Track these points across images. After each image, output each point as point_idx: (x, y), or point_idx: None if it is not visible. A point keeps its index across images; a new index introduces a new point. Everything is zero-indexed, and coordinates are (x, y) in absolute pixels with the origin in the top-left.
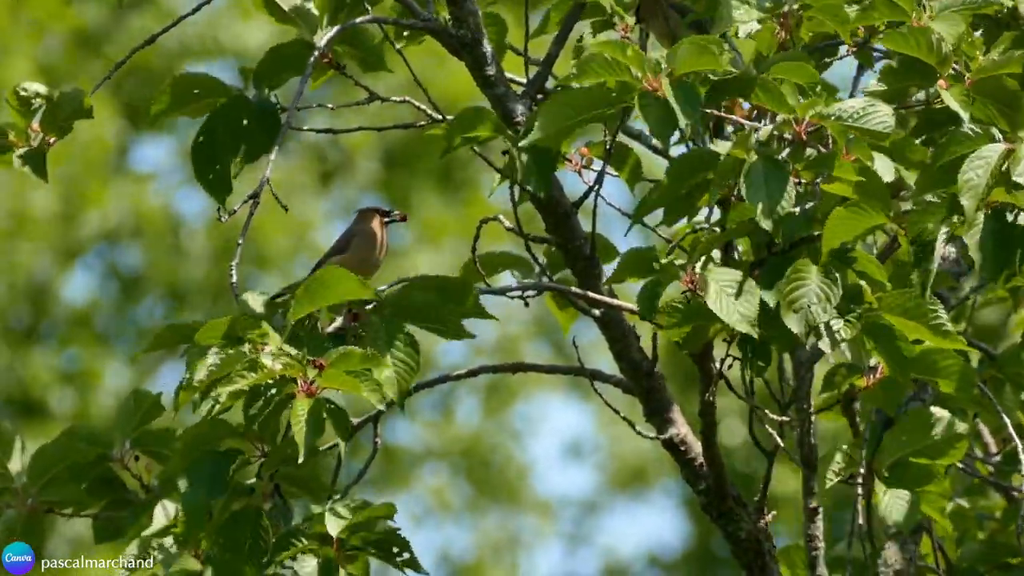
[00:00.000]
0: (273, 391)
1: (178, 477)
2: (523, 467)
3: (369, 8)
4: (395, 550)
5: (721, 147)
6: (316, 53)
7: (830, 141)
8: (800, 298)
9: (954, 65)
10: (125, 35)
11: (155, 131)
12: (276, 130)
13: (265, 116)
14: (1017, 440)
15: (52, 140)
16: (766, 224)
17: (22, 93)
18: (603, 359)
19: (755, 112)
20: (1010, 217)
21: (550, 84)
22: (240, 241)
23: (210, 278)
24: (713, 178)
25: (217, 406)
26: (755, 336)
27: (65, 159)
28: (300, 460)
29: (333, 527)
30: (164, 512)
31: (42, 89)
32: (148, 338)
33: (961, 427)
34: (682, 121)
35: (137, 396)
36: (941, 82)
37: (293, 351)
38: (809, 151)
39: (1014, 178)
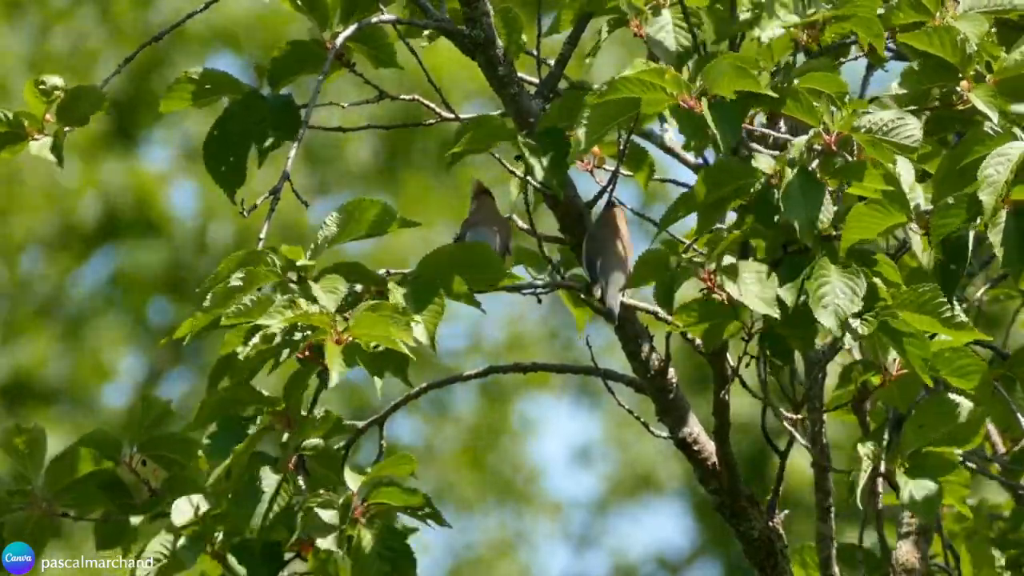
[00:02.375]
0: (307, 334)
1: (202, 434)
2: (527, 467)
3: (383, 9)
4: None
5: (762, 162)
6: (332, 54)
7: (855, 148)
8: (827, 294)
9: (976, 67)
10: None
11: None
12: (293, 126)
13: (282, 113)
14: None
15: (68, 129)
16: (807, 239)
17: (42, 87)
18: (614, 360)
19: (775, 119)
20: None
21: (562, 84)
22: (261, 236)
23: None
24: (738, 187)
25: (251, 346)
26: (776, 315)
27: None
28: (331, 384)
29: (353, 482)
30: (190, 504)
31: (60, 82)
32: (159, 333)
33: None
34: (723, 145)
35: (146, 401)
36: (964, 83)
37: (324, 298)
38: (837, 159)
39: None
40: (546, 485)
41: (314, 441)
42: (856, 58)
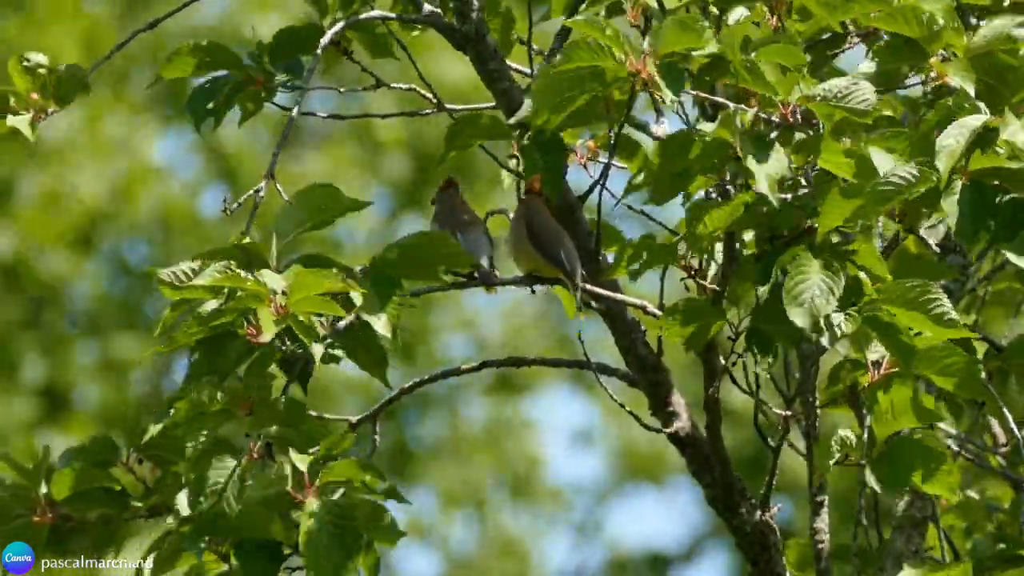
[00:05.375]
0: (240, 295)
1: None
2: (533, 461)
3: (374, 4)
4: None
5: (707, 128)
6: (323, 43)
7: (819, 125)
8: (803, 292)
9: (943, 45)
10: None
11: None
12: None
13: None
14: (1018, 434)
15: (52, 109)
16: (773, 198)
17: (26, 63)
18: (606, 353)
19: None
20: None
21: None
22: (245, 232)
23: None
24: (694, 159)
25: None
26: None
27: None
28: (264, 339)
29: (301, 463)
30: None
31: (44, 60)
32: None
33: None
34: (668, 97)
35: (144, 410)
36: (933, 60)
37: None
38: (798, 135)
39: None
40: (549, 478)
41: (276, 428)
42: (845, 50)
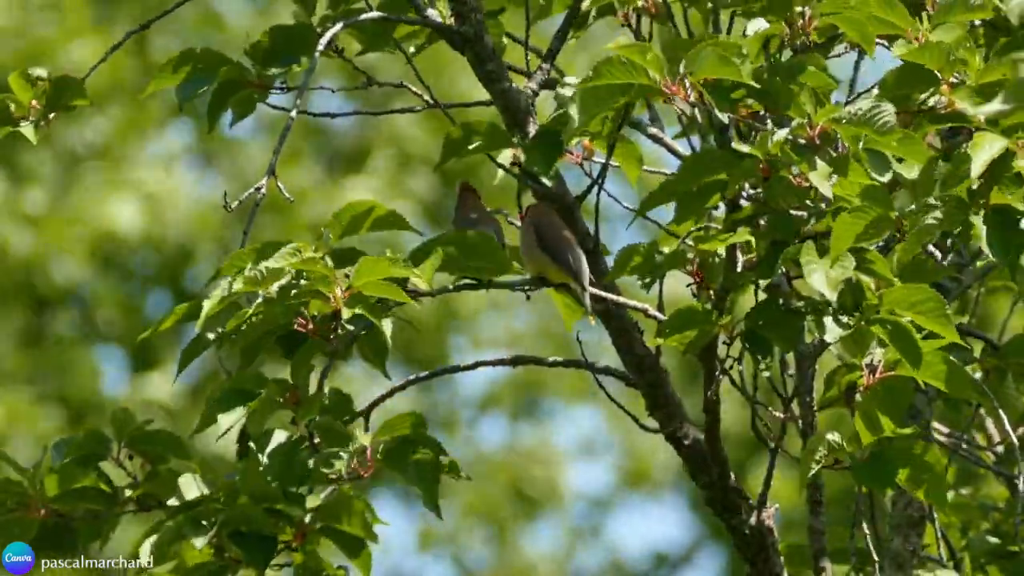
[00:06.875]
0: (306, 282)
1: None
2: (551, 484)
3: (370, 5)
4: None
5: (743, 147)
6: (321, 47)
7: (840, 144)
8: (816, 270)
9: (955, 75)
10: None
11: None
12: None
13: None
14: (1012, 435)
15: (52, 115)
16: (825, 189)
17: (27, 76)
18: (607, 356)
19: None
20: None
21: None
22: (246, 231)
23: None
24: (732, 176)
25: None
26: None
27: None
28: (344, 320)
29: (365, 439)
30: (194, 482)
31: (43, 73)
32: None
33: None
34: (722, 117)
35: (126, 413)
36: (944, 87)
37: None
38: (822, 155)
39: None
40: (548, 478)
41: (322, 418)
42: (841, 54)
